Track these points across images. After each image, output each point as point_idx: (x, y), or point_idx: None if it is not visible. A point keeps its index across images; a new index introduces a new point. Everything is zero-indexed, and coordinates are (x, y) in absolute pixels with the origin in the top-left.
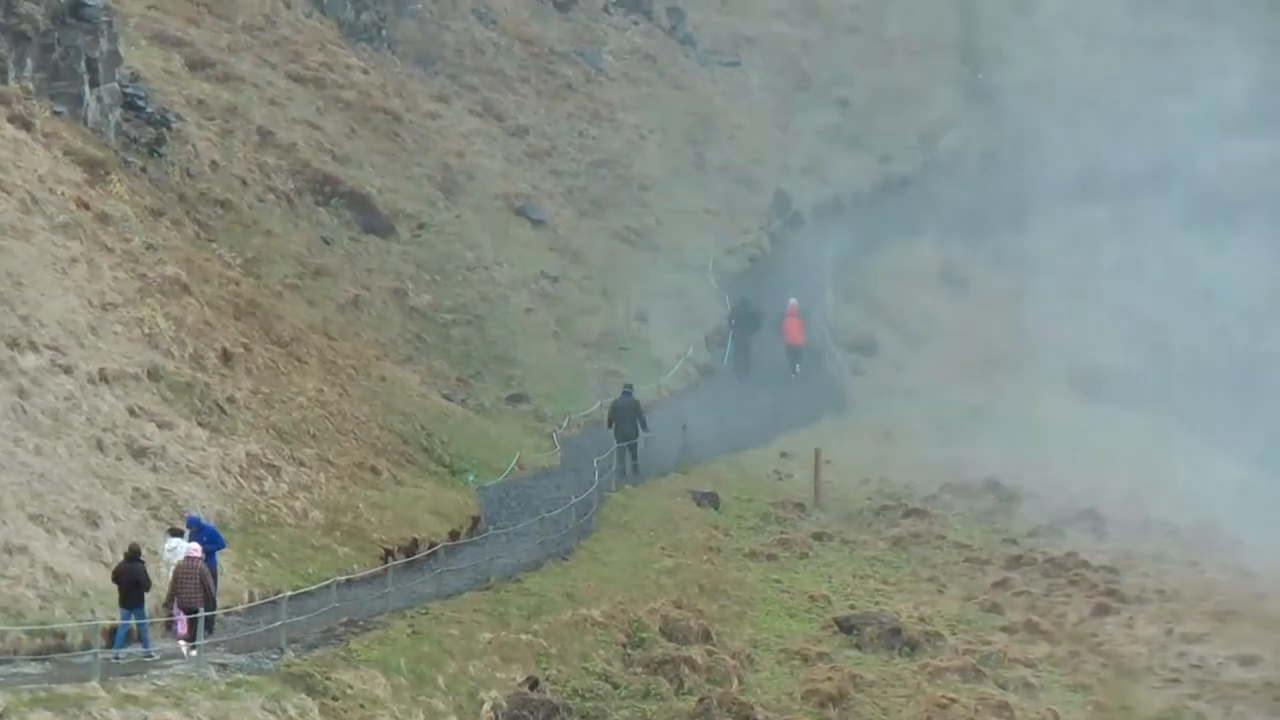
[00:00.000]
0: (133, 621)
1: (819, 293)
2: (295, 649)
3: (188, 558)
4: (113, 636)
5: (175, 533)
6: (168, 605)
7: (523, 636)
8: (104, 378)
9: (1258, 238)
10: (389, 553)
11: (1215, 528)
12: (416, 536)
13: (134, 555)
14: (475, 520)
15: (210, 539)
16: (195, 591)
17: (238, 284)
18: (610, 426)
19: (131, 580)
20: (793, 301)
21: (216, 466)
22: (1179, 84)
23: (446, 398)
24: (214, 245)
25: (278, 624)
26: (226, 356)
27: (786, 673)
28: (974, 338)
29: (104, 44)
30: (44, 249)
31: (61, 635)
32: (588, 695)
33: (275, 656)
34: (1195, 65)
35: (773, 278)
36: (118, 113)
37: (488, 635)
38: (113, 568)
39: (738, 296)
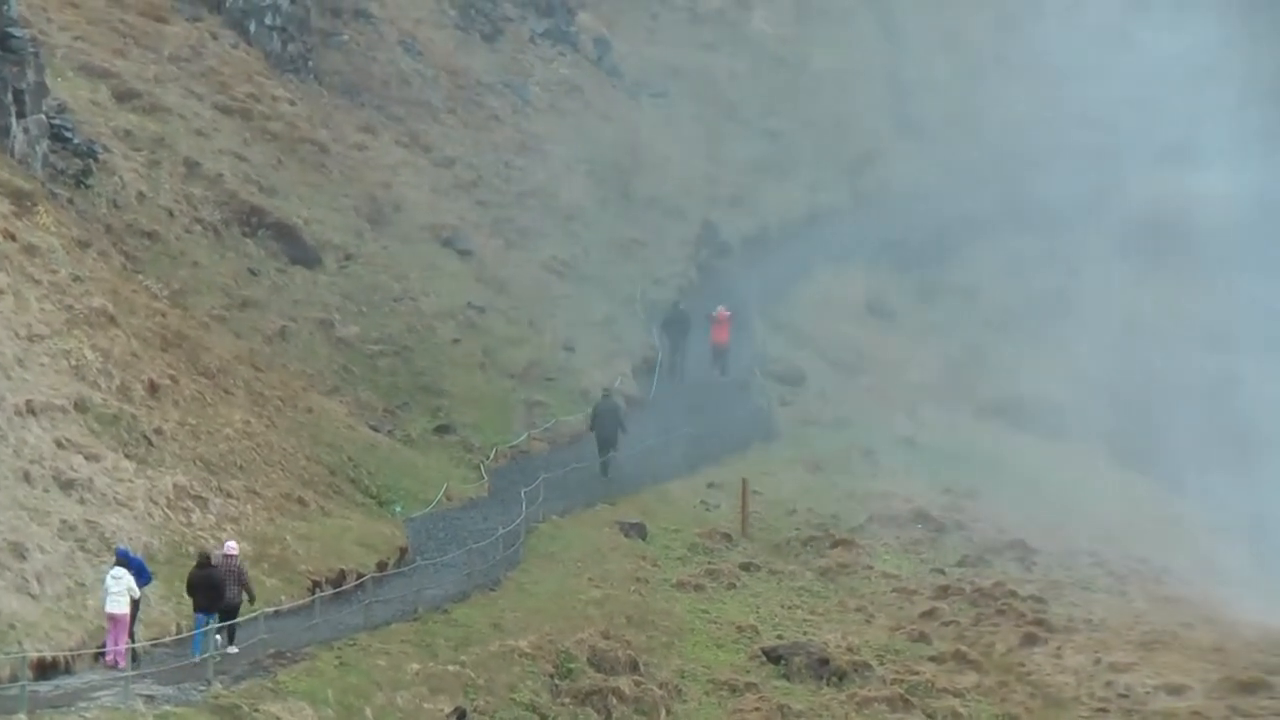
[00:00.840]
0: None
1: (746, 324)
2: (223, 681)
3: (226, 556)
4: (193, 642)
5: (120, 563)
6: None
7: (450, 668)
8: (31, 410)
9: (1184, 269)
10: (316, 584)
11: (1142, 557)
12: (344, 568)
13: (205, 562)
14: (403, 551)
15: (138, 572)
16: (235, 590)
17: (165, 315)
18: (591, 429)
19: (207, 585)
20: (721, 308)
21: (144, 498)
22: (1108, 117)
23: (374, 429)
24: (141, 277)
25: (205, 656)
26: (153, 388)
27: (714, 703)
28: (901, 368)
29: (30, 75)
30: None
31: None
32: None
33: (203, 688)
34: (1122, 98)
35: (700, 309)
36: (45, 144)
37: (415, 666)
38: (186, 576)
39: (670, 301)
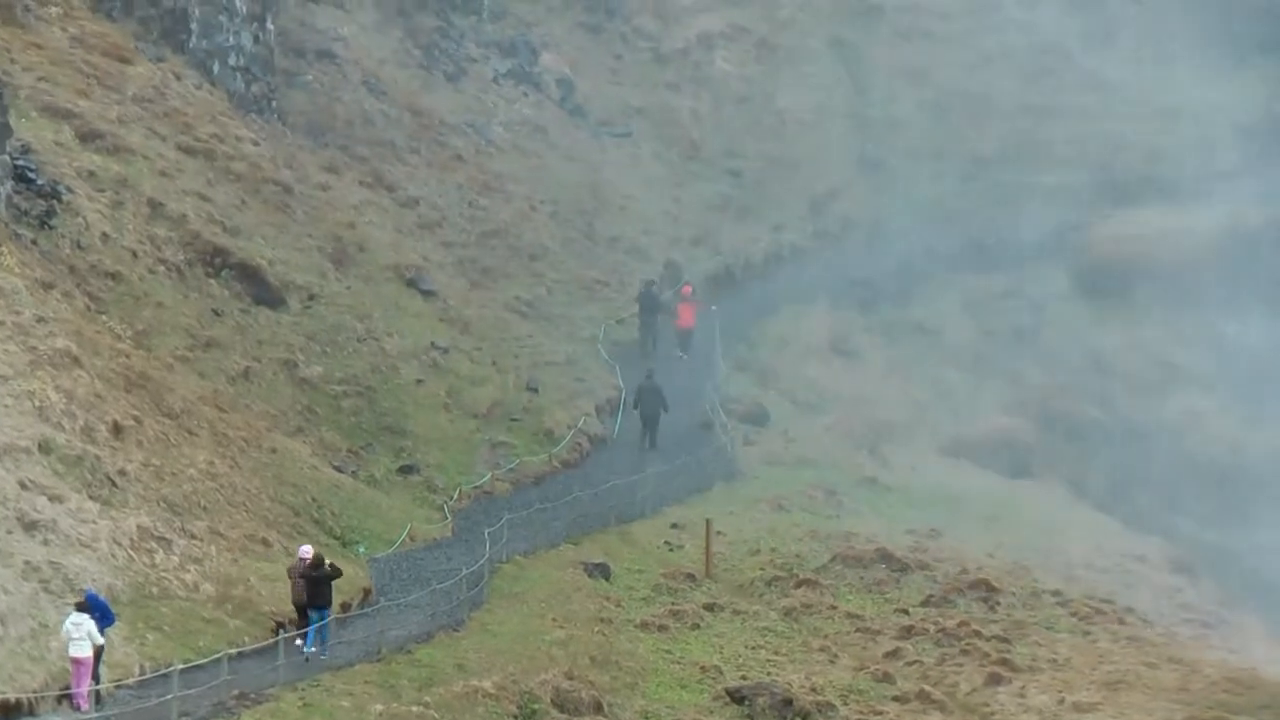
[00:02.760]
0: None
1: (709, 363)
2: None
3: (300, 559)
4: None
5: (80, 608)
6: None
7: (414, 708)
8: None
9: (1147, 308)
10: (280, 625)
11: (1106, 596)
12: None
13: (318, 564)
14: (366, 592)
15: (101, 615)
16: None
17: (128, 356)
18: (635, 408)
19: (314, 583)
20: (687, 285)
21: (107, 539)
22: (1070, 155)
23: (337, 469)
24: (105, 318)
25: (169, 697)
26: (117, 429)
27: None
28: (865, 407)
29: None
30: None
31: None
32: None
33: None
34: (1086, 136)
35: (658, 350)
36: (8, 185)
37: (379, 707)
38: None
39: (643, 281)
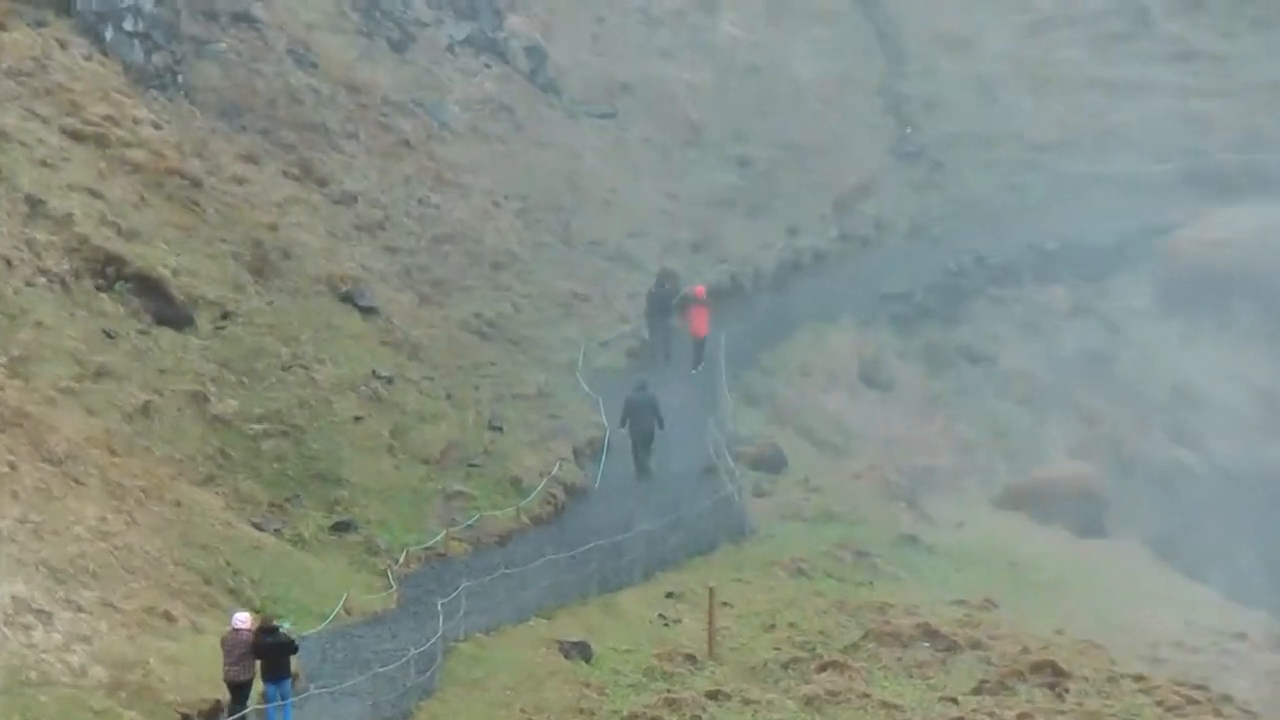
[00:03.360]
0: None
1: (713, 395)
2: None
3: (236, 629)
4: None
5: None
6: None
7: None
8: None
9: (1247, 328)
10: (186, 717)
11: (1199, 682)
12: (220, 697)
13: (270, 629)
14: (294, 677)
15: None
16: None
17: (1, 389)
18: (623, 426)
19: (270, 653)
20: (700, 286)
21: None
22: (1150, 140)
23: (257, 526)
24: None
25: None
26: None
27: None
28: (902, 449)
29: None
30: None
31: None
32: None
33: None
34: (1169, 117)
35: (649, 378)
36: None
37: None
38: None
39: (658, 275)
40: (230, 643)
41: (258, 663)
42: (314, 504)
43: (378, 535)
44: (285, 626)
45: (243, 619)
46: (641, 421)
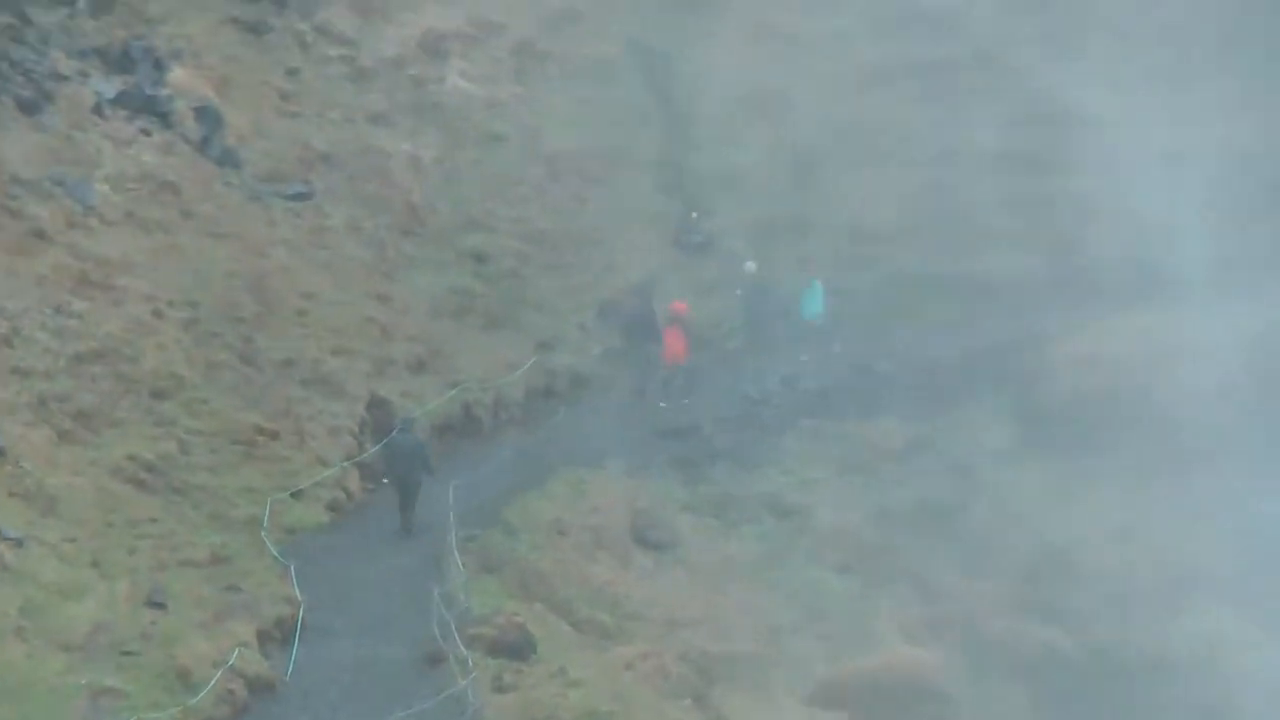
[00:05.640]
0: None
1: (439, 561)
2: None
3: None
4: None
5: None
6: None
7: None
8: None
9: (1137, 471)
10: None
11: None
12: None
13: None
14: None
15: None
16: None
17: None
18: (386, 478)
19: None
20: (681, 302)
21: None
22: (1012, 230)
23: None
24: None
25: None
26: None
27: None
28: (689, 631)
29: None
30: None
31: None
32: None
33: None
34: (1039, 200)
35: (356, 538)
36: None
37: None
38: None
39: (631, 294)
40: None
41: None
42: None
43: None
44: None
45: None
46: (405, 469)
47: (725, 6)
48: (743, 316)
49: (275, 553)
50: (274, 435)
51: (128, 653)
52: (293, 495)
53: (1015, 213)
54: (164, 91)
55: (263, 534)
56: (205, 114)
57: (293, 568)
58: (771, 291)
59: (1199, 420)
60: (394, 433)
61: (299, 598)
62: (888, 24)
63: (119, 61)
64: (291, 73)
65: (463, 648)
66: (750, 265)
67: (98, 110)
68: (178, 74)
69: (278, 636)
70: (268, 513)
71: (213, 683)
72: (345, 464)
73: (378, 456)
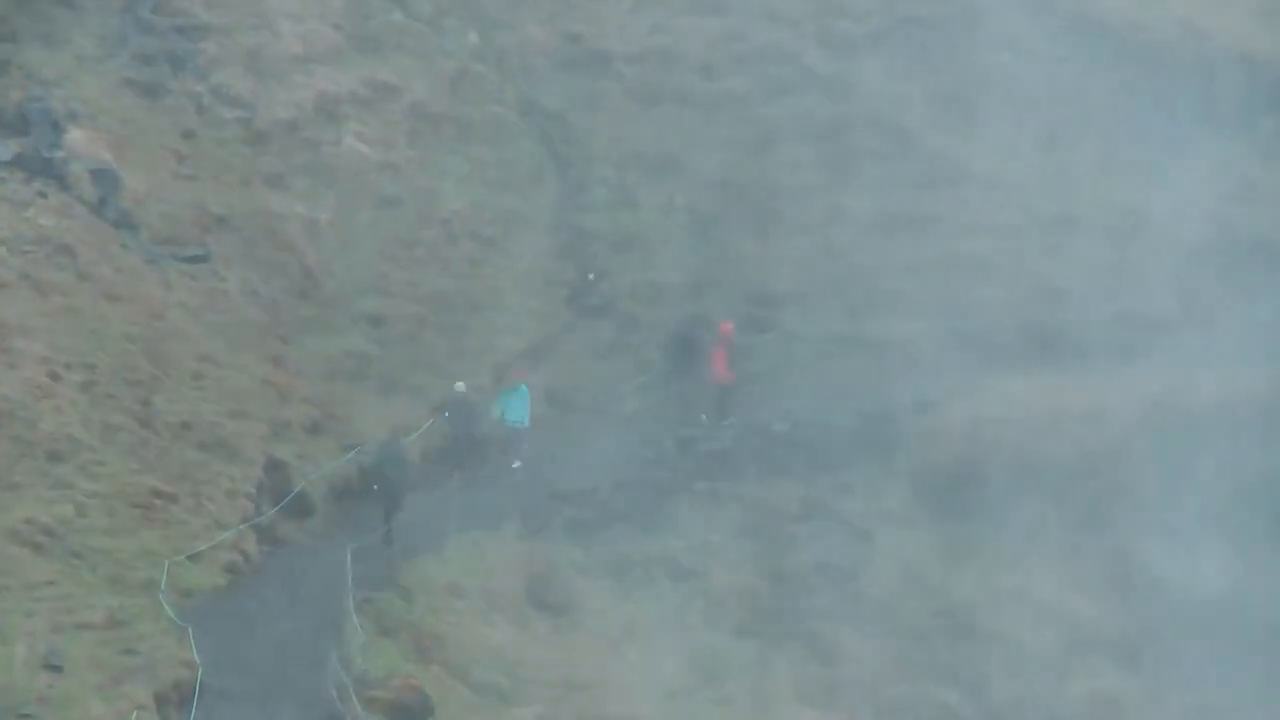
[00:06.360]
0: None
1: (336, 624)
2: None
3: None
4: None
5: None
6: None
7: None
8: None
9: (1034, 536)
10: None
11: None
12: None
13: None
14: None
15: None
16: None
17: None
18: (375, 486)
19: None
20: (728, 322)
21: None
22: (910, 291)
23: None
24: None
25: None
26: None
27: None
28: (586, 695)
29: None
30: None
31: None
32: None
33: None
34: (937, 262)
35: (254, 600)
36: None
37: None
38: None
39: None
40: None
41: None
42: None
43: None
44: None
45: None
46: (392, 478)
47: (619, 69)
48: (451, 436)
49: (173, 615)
50: (171, 498)
51: (24, 715)
52: (190, 558)
53: (910, 275)
54: (60, 154)
55: (160, 597)
56: (102, 176)
57: (190, 631)
58: (479, 407)
59: (1093, 483)
60: (384, 443)
61: (197, 661)
62: (781, 86)
63: (15, 124)
64: (187, 135)
65: (360, 710)
66: (460, 386)
67: None
68: (74, 136)
69: (175, 700)
70: (165, 576)
71: None
72: (242, 527)
73: (366, 467)
